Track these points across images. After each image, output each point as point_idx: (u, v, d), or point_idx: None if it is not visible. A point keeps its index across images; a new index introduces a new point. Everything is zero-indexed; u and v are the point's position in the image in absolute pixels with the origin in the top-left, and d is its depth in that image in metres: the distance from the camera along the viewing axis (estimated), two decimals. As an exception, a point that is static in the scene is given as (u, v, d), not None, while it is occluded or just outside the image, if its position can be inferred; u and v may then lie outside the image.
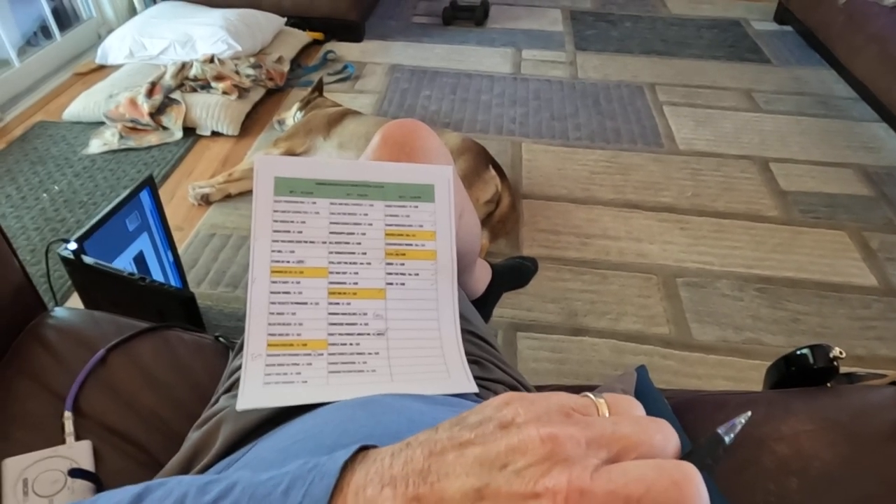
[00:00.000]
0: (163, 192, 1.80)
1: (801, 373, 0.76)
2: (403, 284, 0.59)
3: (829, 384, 0.74)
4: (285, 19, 2.65)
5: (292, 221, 0.57)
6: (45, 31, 2.47)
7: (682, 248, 1.65)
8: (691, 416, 0.73)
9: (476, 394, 0.57)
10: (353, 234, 0.58)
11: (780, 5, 3.05)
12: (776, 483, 0.63)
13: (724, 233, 1.71)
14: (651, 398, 0.73)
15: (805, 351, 0.74)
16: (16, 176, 1.85)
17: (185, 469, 0.56)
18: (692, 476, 0.22)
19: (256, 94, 2.22)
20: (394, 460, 0.26)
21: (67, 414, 0.67)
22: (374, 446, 0.29)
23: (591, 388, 0.79)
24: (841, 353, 0.71)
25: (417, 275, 0.59)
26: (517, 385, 0.63)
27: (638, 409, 0.27)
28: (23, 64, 2.29)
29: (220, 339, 0.82)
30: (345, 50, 2.68)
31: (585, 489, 0.21)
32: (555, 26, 3.01)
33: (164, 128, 2.04)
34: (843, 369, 0.74)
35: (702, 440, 0.25)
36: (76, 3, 2.64)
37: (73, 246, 0.99)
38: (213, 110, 2.05)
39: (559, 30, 2.98)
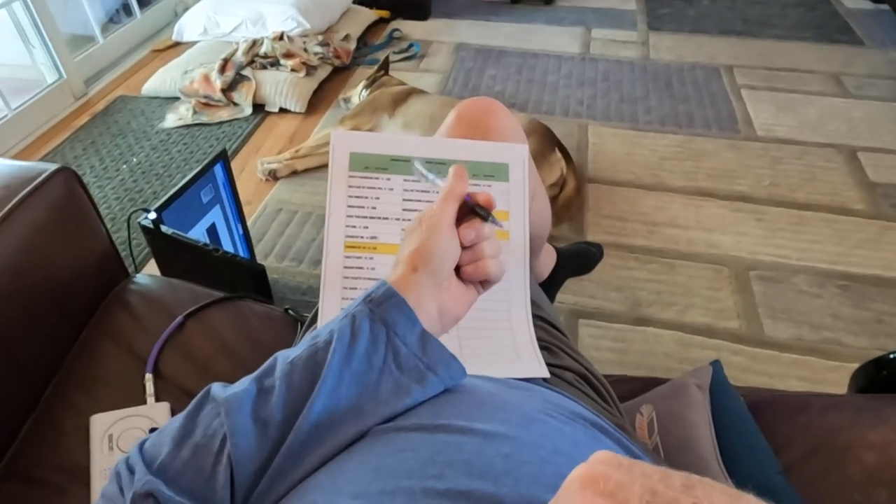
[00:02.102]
0: (232, 167, 1.85)
1: (892, 378, 0.71)
2: None
3: (926, 392, 0.69)
4: (353, -3, 2.66)
5: (366, 197, 0.57)
6: (127, 9, 2.57)
7: (757, 239, 1.57)
8: (768, 416, 0.70)
9: (545, 379, 0.56)
10: None
11: (876, -18, 2.83)
12: (863, 493, 0.59)
13: (804, 225, 1.61)
14: (726, 395, 0.69)
15: (900, 355, 0.69)
16: (99, 148, 1.95)
17: None
18: None
19: (323, 72, 2.24)
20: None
21: (148, 376, 0.70)
22: None
23: (656, 381, 0.76)
24: (942, 359, 0.66)
25: None
26: (586, 373, 0.61)
27: None
28: (106, 40, 2.39)
29: (290, 311, 0.83)
30: (410, 28, 2.67)
31: None
32: (627, 5, 2.90)
33: (235, 104, 2.09)
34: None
35: None
36: (156, -19, 2.73)
37: (152, 216, 1.03)
38: (281, 87, 2.09)
39: (631, 8, 2.87)
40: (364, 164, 0.58)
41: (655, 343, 1.33)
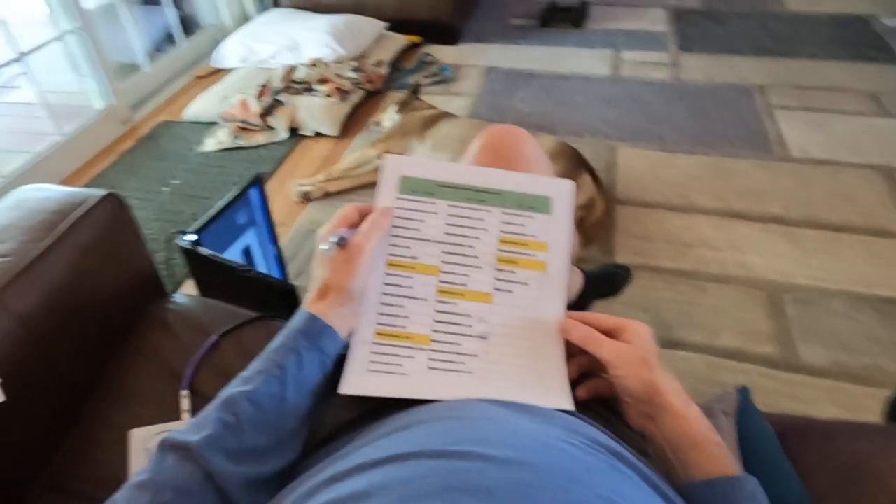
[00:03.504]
0: (267, 189, 1.91)
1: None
2: (511, 292, 0.59)
3: (962, 421, 0.67)
4: (385, 24, 2.73)
5: (412, 219, 0.60)
6: (170, 38, 2.69)
7: (790, 261, 1.54)
8: (797, 443, 0.68)
9: (573, 410, 0.56)
10: (467, 237, 0.60)
11: (915, -1, 2.77)
12: (894, 524, 0.58)
13: (840, 247, 1.58)
14: (753, 422, 0.69)
15: (935, 383, 0.67)
16: (142, 171, 2.03)
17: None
18: None
19: (356, 97, 2.30)
20: None
21: (184, 392, 0.73)
22: None
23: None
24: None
25: (526, 284, 0.59)
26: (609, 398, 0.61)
27: None
28: (151, 68, 2.51)
29: (319, 331, 0.86)
30: (441, 53, 2.73)
31: None
32: (657, 26, 2.91)
33: (271, 128, 2.16)
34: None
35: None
36: (198, 11, 2.86)
37: (191, 237, 1.07)
38: (315, 112, 2.15)
39: (662, 30, 2.87)
40: (412, 187, 0.61)
41: (684, 366, 1.31)
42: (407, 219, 0.60)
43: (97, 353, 0.78)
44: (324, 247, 0.56)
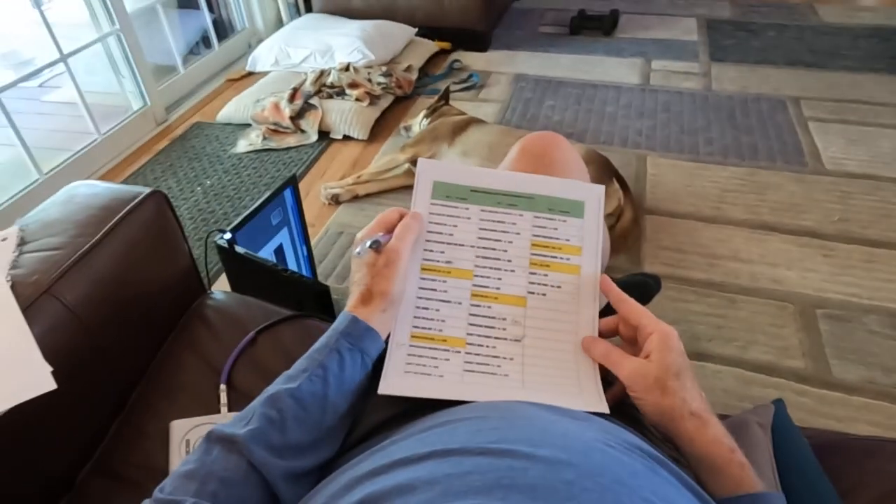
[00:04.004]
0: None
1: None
2: (545, 295, 0.60)
3: None
4: (416, 29, 2.76)
5: (445, 224, 0.61)
6: (206, 41, 2.75)
7: (824, 276, 1.52)
8: (835, 459, 0.67)
9: (607, 414, 0.56)
10: (499, 241, 0.60)
11: (956, 12, 2.71)
12: (938, 545, 0.57)
13: (877, 263, 1.55)
14: (790, 435, 0.68)
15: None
16: (176, 170, 2.08)
17: None
18: None
19: (386, 101, 2.32)
20: None
21: (222, 387, 0.75)
22: None
23: (725, 417, 0.75)
24: None
25: (559, 287, 0.60)
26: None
27: None
28: (186, 70, 2.56)
29: (353, 331, 0.87)
30: (470, 59, 2.74)
31: None
32: (688, 35, 2.89)
33: (302, 131, 2.20)
34: None
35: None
36: (232, 15, 2.91)
37: (228, 236, 1.09)
38: (346, 116, 2.18)
39: (693, 39, 2.85)
40: (446, 192, 0.62)
41: (714, 379, 1.30)
42: (441, 224, 0.61)
43: (143, 344, 0.80)
44: (357, 250, 0.57)
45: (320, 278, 1.57)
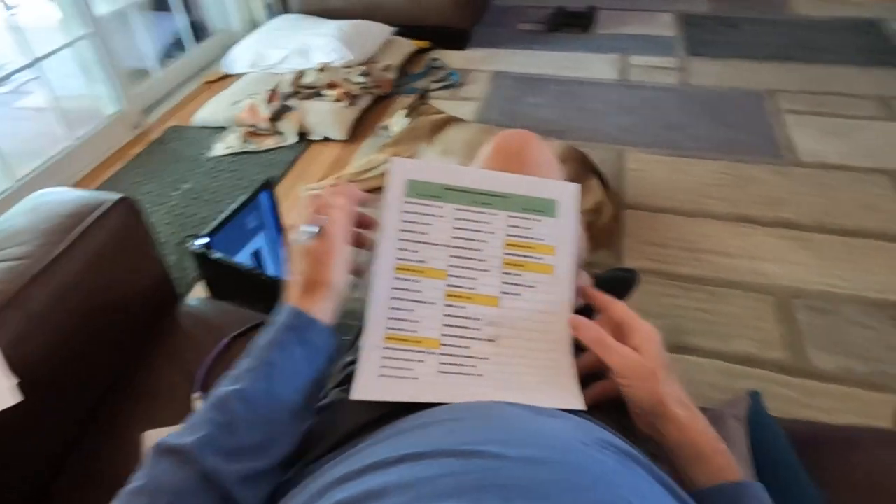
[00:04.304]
0: (276, 193, 1.92)
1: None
2: (519, 295, 0.59)
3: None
4: (394, 29, 2.74)
5: (419, 223, 0.60)
6: (181, 44, 2.71)
7: (803, 268, 1.53)
8: (813, 450, 0.68)
9: (585, 411, 0.56)
10: (474, 240, 0.60)
11: (927, 3, 2.76)
12: (916, 534, 0.57)
13: (854, 253, 1.56)
14: (765, 426, 0.68)
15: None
16: (153, 175, 2.05)
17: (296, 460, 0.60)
18: None
19: (365, 101, 2.31)
20: None
21: (196, 395, 0.74)
22: None
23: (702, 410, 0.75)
24: None
25: (534, 287, 0.59)
26: (618, 401, 0.61)
27: None
28: (161, 73, 2.53)
29: (331, 335, 0.86)
30: (449, 58, 2.73)
31: None
32: (666, 31, 2.90)
33: (281, 132, 2.17)
34: None
35: None
36: (208, 17, 2.88)
37: (203, 241, 1.08)
38: (324, 116, 2.16)
39: (670, 35, 2.87)
40: (419, 191, 0.61)
41: (697, 372, 1.30)
42: (414, 223, 0.60)
43: (115, 353, 0.78)
44: (297, 238, 0.55)
45: (301, 281, 1.55)
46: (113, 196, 0.78)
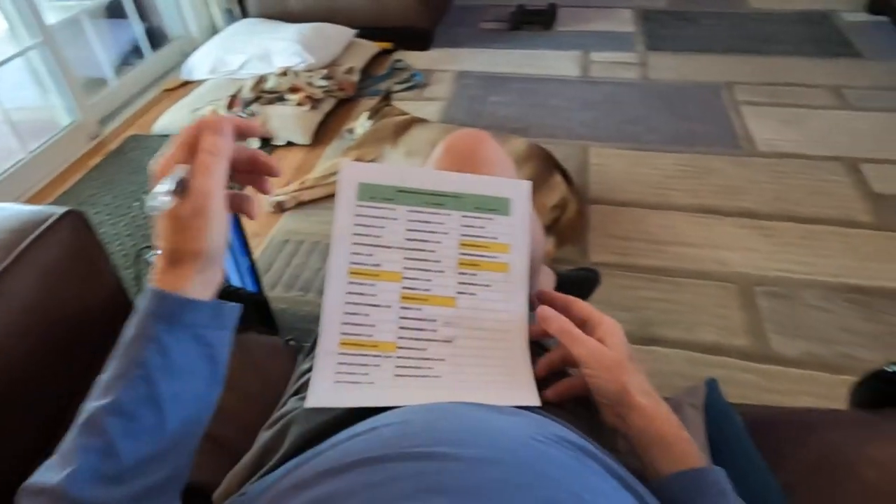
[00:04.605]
0: (241, 200, 1.90)
1: (893, 391, 0.71)
2: (474, 295, 0.59)
3: (927, 405, 0.68)
4: (356, 31, 2.73)
5: (372, 226, 0.59)
6: (138, 51, 2.66)
7: (763, 255, 1.57)
8: (768, 434, 0.69)
9: (539, 407, 0.56)
10: (428, 241, 0.60)
11: (874, -6, 2.84)
12: (865, 511, 0.59)
13: (811, 239, 1.60)
14: (721, 413, 0.69)
15: (898, 368, 0.68)
16: (113, 186, 2.00)
17: (256, 467, 0.59)
18: None
19: (328, 105, 2.29)
20: None
21: (153, 410, 0.72)
22: None
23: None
24: (941, 371, 0.65)
25: (489, 286, 0.60)
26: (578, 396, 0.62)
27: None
28: (118, 82, 2.47)
29: (291, 342, 0.85)
30: (413, 59, 2.73)
31: None
32: (625, 27, 2.94)
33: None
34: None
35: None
36: (165, 23, 2.82)
37: (159, 252, 1.05)
38: (287, 121, 2.14)
39: (630, 30, 2.91)
40: (371, 194, 0.60)
41: (664, 363, 1.32)
42: (368, 226, 0.60)
43: (69, 372, 0.76)
44: (153, 203, 0.42)
45: (267, 289, 1.53)
46: (59, 209, 0.76)
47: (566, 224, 1.61)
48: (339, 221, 0.59)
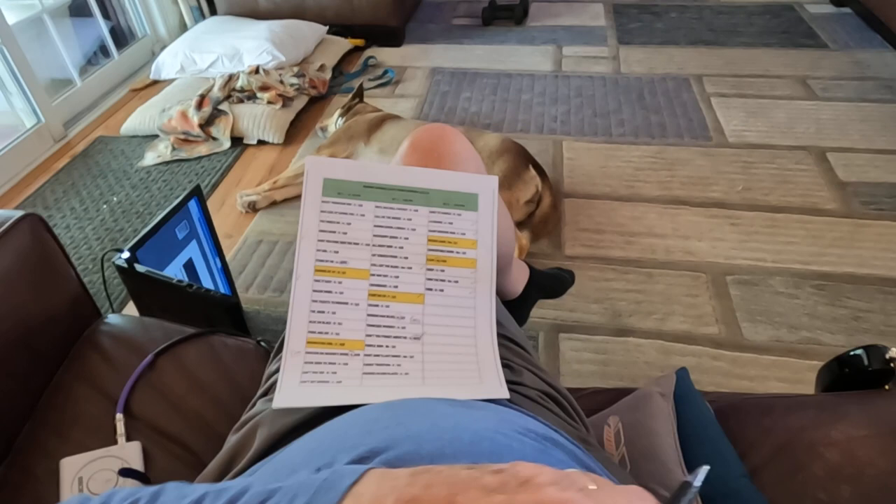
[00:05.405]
0: (213, 201, 1.87)
1: (855, 375, 0.72)
2: (442, 291, 0.59)
3: (885, 387, 0.70)
4: (327, 28, 2.70)
5: (338, 223, 0.59)
6: (104, 51, 2.60)
7: (732, 244, 1.59)
8: (735, 420, 0.70)
9: (508, 399, 0.57)
10: (396, 238, 0.59)
11: (837, -14, 2.90)
12: (826, 491, 0.60)
13: (778, 228, 1.63)
14: (691, 402, 0.70)
15: (859, 352, 0.70)
16: (79, 189, 1.96)
17: (224, 471, 0.58)
18: None
19: (300, 103, 2.27)
20: (414, 479, 0.27)
21: (119, 416, 0.71)
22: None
23: (626, 392, 0.77)
24: (899, 353, 0.67)
25: (457, 282, 0.60)
26: (549, 389, 0.62)
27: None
28: (84, 83, 2.42)
29: (262, 343, 0.84)
30: (385, 55, 2.71)
31: None
32: (596, 21, 2.96)
33: (214, 138, 2.11)
34: (903, 371, 0.70)
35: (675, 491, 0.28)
36: (132, 22, 2.77)
37: (126, 255, 1.03)
38: (259, 120, 2.11)
39: (601, 24, 2.93)
40: (337, 189, 0.60)
41: (637, 353, 1.34)
42: (333, 223, 0.59)
43: (30, 382, 0.74)
44: None
45: (240, 290, 1.52)
46: (16, 213, 0.74)
47: (541, 218, 1.62)
48: (305, 218, 0.59)
